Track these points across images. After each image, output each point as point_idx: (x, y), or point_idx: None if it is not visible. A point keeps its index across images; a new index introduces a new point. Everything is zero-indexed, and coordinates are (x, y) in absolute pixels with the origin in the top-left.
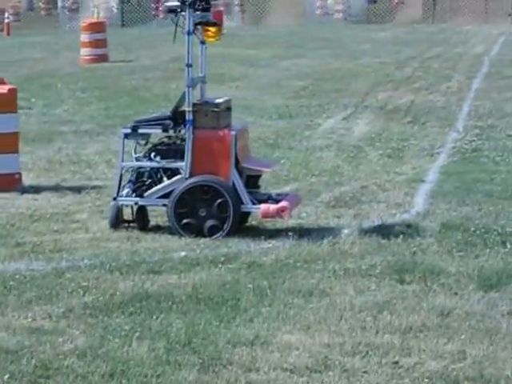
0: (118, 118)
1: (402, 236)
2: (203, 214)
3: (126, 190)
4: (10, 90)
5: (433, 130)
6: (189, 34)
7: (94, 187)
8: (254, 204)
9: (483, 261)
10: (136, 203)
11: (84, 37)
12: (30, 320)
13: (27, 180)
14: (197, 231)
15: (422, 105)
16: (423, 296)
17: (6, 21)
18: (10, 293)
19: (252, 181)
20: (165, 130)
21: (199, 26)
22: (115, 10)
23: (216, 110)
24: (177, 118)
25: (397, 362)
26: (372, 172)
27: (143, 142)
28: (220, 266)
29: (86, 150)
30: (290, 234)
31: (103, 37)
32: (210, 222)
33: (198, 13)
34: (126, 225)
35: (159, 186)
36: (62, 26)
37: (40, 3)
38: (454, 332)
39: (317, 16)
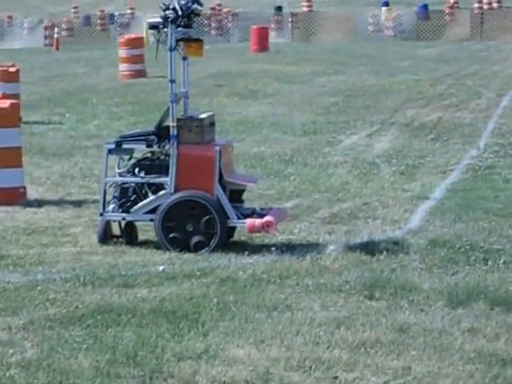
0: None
1: (385, 253)
2: (190, 229)
3: (111, 206)
4: (11, 104)
5: (454, 147)
6: (171, 50)
7: (94, 201)
8: (239, 219)
9: (459, 278)
10: (124, 218)
11: (122, 52)
12: None
13: (35, 194)
14: (183, 246)
15: (448, 122)
16: (387, 312)
17: (56, 36)
18: None
19: (235, 195)
20: (149, 146)
21: (181, 42)
22: None
23: (200, 125)
24: (161, 133)
25: (336, 377)
26: (379, 189)
27: (127, 158)
28: (193, 280)
29: (101, 164)
30: (272, 249)
31: (140, 52)
32: (196, 238)
33: (179, 29)
34: (115, 240)
35: (145, 201)
36: (112, 42)
37: (96, 19)
38: (406, 348)
39: (367, 33)
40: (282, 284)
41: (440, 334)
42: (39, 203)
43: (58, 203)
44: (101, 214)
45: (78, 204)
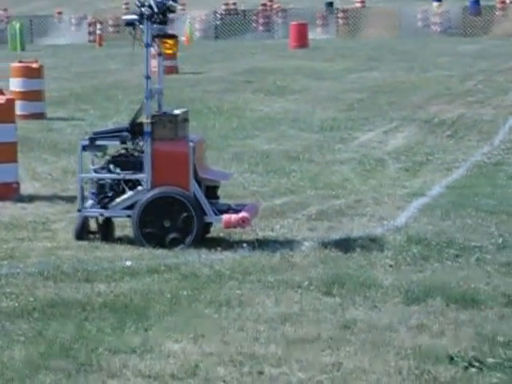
0: None
1: (359, 250)
2: (167, 226)
3: (90, 202)
4: (7, 100)
5: (468, 144)
6: (147, 46)
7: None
8: (216, 215)
9: (424, 275)
10: (101, 214)
11: (154, 49)
12: None
13: (31, 189)
14: (159, 242)
15: (469, 118)
16: (339, 309)
17: (98, 32)
18: None
19: (211, 191)
20: (123, 142)
21: (157, 39)
22: (218, 22)
23: (174, 121)
24: (135, 129)
25: (262, 372)
26: (378, 186)
27: (100, 154)
28: (156, 276)
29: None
30: (244, 245)
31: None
32: (172, 235)
33: (155, 26)
34: (92, 236)
35: (123, 198)
36: None
37: None
38: (344, 345)
39: (414, 29)
40: (243, 280)
41: (384, 330)
42: (31, 198)
43: (51, 199)
44: (79, 210)
45: (71, 200)
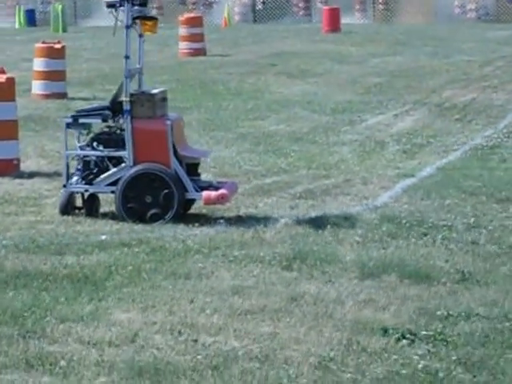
0: (174, 109)
1: (330, 227)
2: (148, 201)
3: (75, 178)
4: (7, 79)
5: (473, 128)
6: (127, 27)
7: None
8: (196, 191)
9: (386, 252)
10: (86, 190)
11: (182, 31)
12: None
13: (36, 166)
14: (140, 216)
15: (480, 103)
16: (293, 282)
17: None
18: None
19: (192, 169)
20: (104, 120)
21: (137, 20)
22: (259, 7)
23: (152, 100)
24: (115, 108)
25: (196, 340)
26: (371, 167)
27: (85, 132)
28: (125, 249)
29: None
30: (221, 221)
31: (200, 31)
32: (153, 210)
33: (136, 7)
34: (77, 211)
35: (107, 174)
36: None
37: None
38: (286, 316)
39: (450, 15)
40: (208, 254)
41: (329, 303)
42: (31, 175)
43: (51, 175)
44: (64, 186)
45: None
